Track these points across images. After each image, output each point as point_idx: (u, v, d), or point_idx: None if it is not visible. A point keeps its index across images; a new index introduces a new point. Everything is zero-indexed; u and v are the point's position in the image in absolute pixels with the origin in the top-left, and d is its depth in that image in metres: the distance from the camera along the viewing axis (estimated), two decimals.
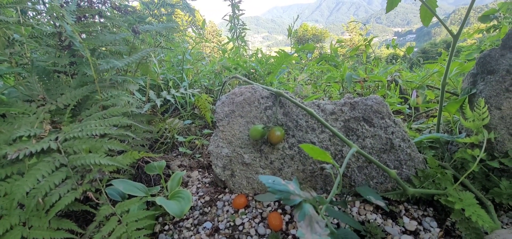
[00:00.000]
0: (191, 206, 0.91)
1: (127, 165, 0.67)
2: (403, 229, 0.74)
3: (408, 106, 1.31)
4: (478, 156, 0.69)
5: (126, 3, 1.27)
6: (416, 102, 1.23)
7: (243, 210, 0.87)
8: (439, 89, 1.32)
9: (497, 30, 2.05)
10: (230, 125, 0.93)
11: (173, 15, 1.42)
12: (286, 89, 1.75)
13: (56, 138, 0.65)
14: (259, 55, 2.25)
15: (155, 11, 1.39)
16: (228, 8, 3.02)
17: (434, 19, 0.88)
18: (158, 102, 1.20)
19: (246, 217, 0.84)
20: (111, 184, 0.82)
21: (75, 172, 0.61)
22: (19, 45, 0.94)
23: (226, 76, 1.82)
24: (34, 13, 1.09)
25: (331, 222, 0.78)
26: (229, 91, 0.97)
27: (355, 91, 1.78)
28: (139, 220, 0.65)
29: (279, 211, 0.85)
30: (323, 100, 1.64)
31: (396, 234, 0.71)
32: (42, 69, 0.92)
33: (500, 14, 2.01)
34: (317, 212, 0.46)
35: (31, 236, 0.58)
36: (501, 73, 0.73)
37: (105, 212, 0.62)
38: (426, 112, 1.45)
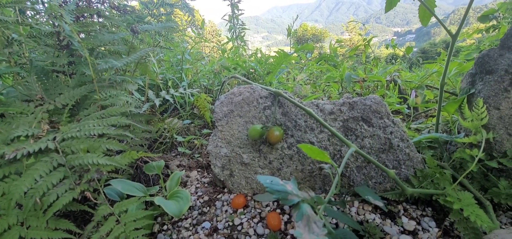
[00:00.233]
0: (190, 206, 0.91)
1: (125, 165, 0.67)
2: (401, 229, 0.74)
3: (407, 106, 1.31)
4: (476, 156, 0.69)
5: (125, 2, 1.27)
6: (415, 102, 1.23)
7: (242, 210, 0.87)
8: (438, 89, 1.32)
9: (496, 30, 2.05)
10: (229, 125, 0.93)
11: (172, 15, 1.42)
12: (285, 89, 1.75)
13: (54, 138, 0.65)
14: (259, 55, 2.25)
15: (154, 11, 1.38)
16: (228, 8, 3.02)
17: (433, 19, 0.88)
18: (157, 102, 1.20)
19: (245, 217, 0.83)
20: (109, 184, 0.82)
21: (73, 172, 0.61)
22: (17, 45, 0.94)
23: (225, 76, 1.82)
24: (32, 13, 1.09)
25: (330, 222, 0.78)
26: (228, 91, 0.97)
27: (354, 91, 1.78)
28: (137, 220, 0.65)
29: (278, 211, 0.85)
30: (322, 100, 1.64)
31: (394, 234, 0.71)
32: (40, 69, 0.92)
33: (499, 14, 2.01)
34: (315, 212, 0.46)
35: (29, 236, 0.57)
36: (500, 73, 0.73)
37: (103, 212, 0.62)
38: (425, 112, 1.45)
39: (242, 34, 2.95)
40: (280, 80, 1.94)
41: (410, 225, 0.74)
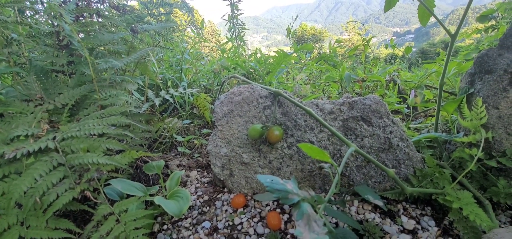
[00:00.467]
0: (190, 206, 0.91)
1: (125, 164, 0.67)
2: (401, 228, 0.74)
3: (406, 106, 1.31)
4: (475, 155, 0.70)
5: (125, 2, 1.27)
6: (414, 102, 1.23)
7: (241, 209, 0.87)
8: (437, 88, 1.32)
9: (495, 30, 2.05)
10: (229, 125, 0.93)
11: (172, 14, 1.42)
12: (285, 89, 1.75)
13: (54, 138, 0.65)
14: (258, 55, 2.25)
15: (154, 11, 1.38)
16: (227, 8, 3.02)
17: (433, 19, 0.88)
18: (157, 102, 1.20)
19: (245, 217, 0.84)
20: (109, 184, 0.82)
21: (73, 171, 0.61)
22: (17, 45, 0.93)
23: (225, 76, 1.82)
24: (32, 13, 1.09)
25: (330, 221, 0.78)
26: (228, 91, 0.97)
27: (354, 90, 1.78)
28: (137, 220, 0.65)
29: (278, 210, 0.85)
30: (322, 99, 1.64)
31: (394, 233, 0.72)
32: (40, 69, 0.91)
33: (498, 14, 2.02)
34: (315, 211, 0.46)
35: (28, 235, 0.57)
36: (499, 73, 0.73)
37: (103, 211, 0.62)
38: (424, 112, 1.46)
39: (242, 34, 2.95)
40: (280, 80, 1.94)
41: (410, 224, 0.74)
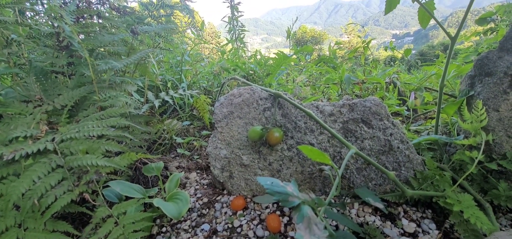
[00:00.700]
0: (189, 208, 0.90)
1: (124, 166, 0.67)
2: (402, 231, 0.74)
3: (406, 108, 1.31)
4: (476, 158, 0.70)
5: (125, 4, 1.27)
6: (414, 104, 1.23)
7: (241, 212, 0.86)
8: (437, 91, 1.32)
9: (495, 33, 2.06)
10: (228, 127, 0.92)
11: (172, 16, 1.42)
12: (285, 91, 1.75)
13: (53, 139, 0.65)
14: (258, 57, 2.25)
15: (154, 12, 1.38)
16: (227, 9, 3.02)
17: (432, 22, 0.88)
18: (156, 103, 1.20)
19: (245, 219, 0.83)
20: (108, 186, 0.81)
21: (71, 173, 0.60)
22: (17, 46, 0.93)
23: (225, 77, 1.82)
24: (32, 13, 1.09)
25: (330, 224, 0.77)
26: (228, 92, 0.97)
27: (354, 92, 1.78)
28: (136, 222, 0.65)
29: (278, 213, 0.85)
30: (322, 101, 1.64)
31: (395, 236, 0.71)
32: (39, 70, 0.91)
33: (497, 17, 2.03)
34: (315, 214, 0.45)
35: (26, 238, 0.57)
36: (499, 75, 0.73)
37: (101, 213, 0.62)
38: (424, 114, 1.46)
39: (242, 36, 2.96)
40: (280, 81, 1.94)
41: (410, 227, 0.74)
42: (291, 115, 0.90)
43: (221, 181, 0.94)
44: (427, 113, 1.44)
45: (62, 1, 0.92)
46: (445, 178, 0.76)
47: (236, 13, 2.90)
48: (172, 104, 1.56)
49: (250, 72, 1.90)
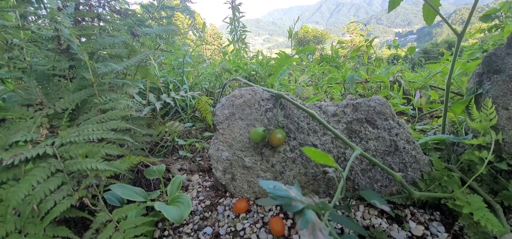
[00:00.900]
0: (191, 211, 0.89)
1: (125, 170, 0.66)
2: (409, 234, 0.72)
3: (411, 107, 1.28)
4: (486, 158, 0.67)
5: (127, 6, 1.26)
6: (420, 103, 1.21)
7: (244, 214, 0.85)
8: (443, 89, 1.30)
9: (499, 30, 2.03)
10: (230, 128, 0.91)
11: (173, 18, 1.41)
12: (287, 91, 1.73)
13: (53, 143, 0.64)
14: (260, 57, 2.24)
15: (155, 14, 1.38)
16: (229, 11, 3.02)
17: (436, 19, 0.86)
18: (158, 105, 1.19)
19: (247, 222, 0.82)
20: (110, 189, 0.80)
21: (71, 177, 0.60)
22: (18, 50, 0.93)
23: (227, 78, 1.81)
24: (34, 17, 1.09)
25: (335, 227, 0.75)
26: (229, 94, 0.96)
27: (357, 92, 1.76)
28: (137, 227, 0.64)
29: (281, 215, 0.83)
30: (325, 101, 1.62)
31: None
32: (41, 73, 0.91)
33: (501, 13, 1.99)
34: (320, 218, 0.44)
35: None
36: (508, 72, 0.70)
37: (102, 218, 0.61)
38: (429, 113, 1.43)
39: (243, 36, 2.95)
40: (282, 82, 1.93)
41: (418, 230, 0.72)
42: (294, 115, 0.89)
43: (224, 183, 0.93)
44: (433, 112, 1.42)
45: (62, 4, 0.92)
46: (454, 179, 0.74)
47: (237, 14, 2.90)
48: (174, 106, 1.55)
49: (252, 72, 1.89)
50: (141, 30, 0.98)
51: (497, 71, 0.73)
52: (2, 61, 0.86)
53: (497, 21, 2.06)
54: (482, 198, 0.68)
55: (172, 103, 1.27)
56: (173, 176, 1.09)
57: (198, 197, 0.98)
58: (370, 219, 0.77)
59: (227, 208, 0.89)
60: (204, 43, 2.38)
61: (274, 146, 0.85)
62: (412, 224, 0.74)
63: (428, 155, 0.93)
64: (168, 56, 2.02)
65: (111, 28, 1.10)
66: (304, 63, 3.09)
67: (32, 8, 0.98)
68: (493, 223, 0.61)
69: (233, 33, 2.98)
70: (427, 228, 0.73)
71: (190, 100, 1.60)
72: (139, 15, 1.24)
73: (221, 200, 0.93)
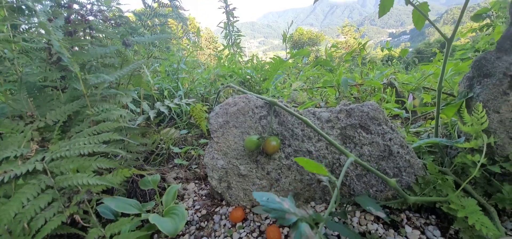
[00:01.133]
0: (188, 221, 0.88)
1: (118, 183, 0.65)
2: None
3: (405, 111, 1.29)
4: (478, 161, 0.68)
5: (120, 13, 1.25)
6: (413, 105, 1.22)
7: (240, 223, 0.84)
8: (436, 90, 1.30)
9: (490, 29, 2.06)
10: (224, 136, 0.91)
11: (167, 24, 1.41)
12: (281, 96, 1.74)
13: (43, 158, 0.63)
14: (255, 61, 2.24)
15: (148, 22, 1.37)
16: (223, 15, 3.02)
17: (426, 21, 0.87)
18: (152, 114, 1.18)
19: (244, 231, 0.81)
20: (103, 202, 0.79)
21: (61, 194, 0.59)
22: (10, 62, 0.91)
23: (221, 84, 1.81)
24: (25, 27, 1.07)
25: (332, 234, 0.75)
26: (224, 101, 0.95)
27: (352, 94, 1.77)
28: None
29: (278, 224, 0.82)
30: (319, 105, 1.62)
31: None
32: (32, 84, 0.90)
33: (492, 12, 2.02)
34: (313, 230, 0.43)
35: None
36: (498, 76, 0.71)
37: (94, 234, 0.60)
38: (423, 115, 1.44)
39: (238, 41, 2.95)
40: (277, 87, 1.93)
41: (414, 235, 0.72)
42: (288, 122, 0.88)
43: (220, 192, 0.92)
44: (427, 114, 1.43)
45: (53, 15, 0.91)
46: (448, 183, 0.74)
47: (231, 19, 2.90)
48: (167, 114, 1.54)
49: (247, 77, 1.89)
50: (133, 39, 0.98)
51: (487, 75, 0.74)
52: None
53: (488, 21, 2.09)
54: (476, 201, 0.68)
55: (165, 111, 1.26)
56: (168, 185, 1.08)
57: (194, 206, 0.97)
58: (366, 225, 0.77)
59: (223, 217, 0.88)
60: (198, 49, 2.38)
61: (269, 153, 0.84)
62: (408, 229, 0.74)
63: (422, 158, 0.94)
64: (162, 62, 2.01)
65: (104, 36, 1.09)
66: (299, 65, 3.11)
67: (23, 19, 0.97)
68: (488, 226, 0.62)
69: (228, 37, 2.98)
70: (423, 233, 0.73)
71: (185, 107, 1.59)
72: (132, 23, 1.23)
73: (217, 209, 0.93)
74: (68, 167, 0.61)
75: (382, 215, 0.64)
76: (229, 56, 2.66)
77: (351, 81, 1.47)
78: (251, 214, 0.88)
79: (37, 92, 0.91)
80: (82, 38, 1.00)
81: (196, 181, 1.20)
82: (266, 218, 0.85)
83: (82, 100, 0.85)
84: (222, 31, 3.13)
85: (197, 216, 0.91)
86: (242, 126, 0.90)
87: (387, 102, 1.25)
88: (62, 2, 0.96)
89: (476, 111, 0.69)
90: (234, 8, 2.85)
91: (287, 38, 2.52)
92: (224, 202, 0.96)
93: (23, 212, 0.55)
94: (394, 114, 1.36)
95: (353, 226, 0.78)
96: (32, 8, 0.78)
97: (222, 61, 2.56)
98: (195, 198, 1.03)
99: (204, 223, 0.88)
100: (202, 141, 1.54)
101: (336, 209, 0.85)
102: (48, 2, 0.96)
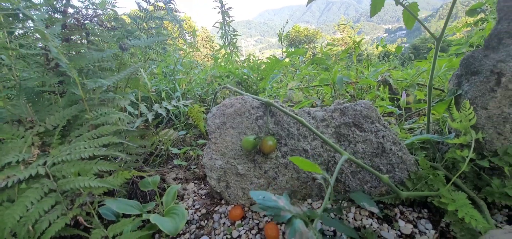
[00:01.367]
0: (188, 220, 0.90)
1: (118, 185, 0.67)
2: (398, 232, 0.75)
3: (398, 107, 1.32)
4: (467, 156, 0.70)
5: (116, 16, 1.26)
6: (406, 102, 1.24)
7: (239, 221, 0.87)
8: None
9: (485, 23, 2.08)
10: (222, 137, 0.93)
11: (162, 27, 1.42)
12: (277, 96, 1.76)
13: (45, 163, 0.64)
14: (251, 61, 2.26)
15: (144, 25, 1.38)
16: (219, 15, 3.03)
17: (423, 15, 0.90)
18: (150, 116, 1.20)
19: (243, 229, 0.83)
20: (105, 204, 0.81)
21: (64, 197, 0.60)
22: (6, 68, 0.92)
23: (218, 85, 1.82)
24: (21, 32, 1.08)
25: (328, 229, 0.78)
26: (221, 101, 0.97)
27: (348, 92, 1.79)
28: None
29: (275, 221, 0.85)
30: (316, 104, 1.64)
31: None
32: (31, 90, 0.91)
33: (487, 7, 2.04)
34: (308, 227, 0.46)
35: None
36: (485, 74, 0.74)
37: (97, 235, 0.61)
38: (417, 111, 1.47)
39: (234, 40, 2.96)
40: (273, 87, 1.95)
41: (407, 228, 0.75)
42: (284, 122, 0.91)
43: (218, 191, 0.94)
44: (421, 110, 1.46)
45: (48, 20, 0.92)
46: (439, 178, 0.77)
47: (227, 18, 2.91)
48: (165, 116, 1.56)
49: (244, 77, 1.90)
50: (129, 43, 0.99)
51: (475, 73, 0.77)
52: None
53: (482, 15, 2.11)
54: (466, 195, 0.71)
55: (163, 113, 1.28)
56: (168, 186, 1.10)
57: (194, 206, 0.99)
58: (361, 220, 0.80)
59: (222, 215, 0.91)
60: (194, 49, 2.39)
61: (266, 153, 0.87)
62: (401, 223, 0.77)
63: (414, 154, 0.96)
64: (159, 64, 2.02)
65: (100, 40, 1.10)
66: (296, 64, 3.12)
67: (19, 24, 0.98)
68: (477, 219, 0.64)
69: (224, 37, 2.99)
70: (415, 226, 0.76)
71: (183, 108, 1.61)
72: (128, 26, 1.24)
73: (216, 208, 0.95)
74: (70, 171, 0.63)
75: (375, 210, 0.67)
76: (226, 56, 2.68)
77: (347, 79, 1.50)
78: (250, 212, 0.90)
79: (35, 97, 0.93)
80: (79, 42, 1.01)
81: (196, 181, 1.22)
82: (264, 215, 0.88)
83: (81, 104, 0.86)
84: (218, 31, 3.14)
85: (197, 215, 0.93)
86: (239, 127, 0.92)
87: (382, 100, 1.27)
88: (58, 6, 0.97)
89: (464, 108, 0.71)
90: (229, 8, 2.86)
91: (283, 37, 2.54)
92: (223, 201, 0.98)
93: (27, 215, 0.57)
94: (388, 112, 1.39)
95: (349, 222, 0.80)
96: (29, 16, 0.78)
97: (218, 61, 2.57)
98: (195, 197, 1.05)
99: (204, 222, 0.90)
100: (201, 141, 1.56)
101: (332, 205, 0.87)
102: (45, 7, 0.97)
